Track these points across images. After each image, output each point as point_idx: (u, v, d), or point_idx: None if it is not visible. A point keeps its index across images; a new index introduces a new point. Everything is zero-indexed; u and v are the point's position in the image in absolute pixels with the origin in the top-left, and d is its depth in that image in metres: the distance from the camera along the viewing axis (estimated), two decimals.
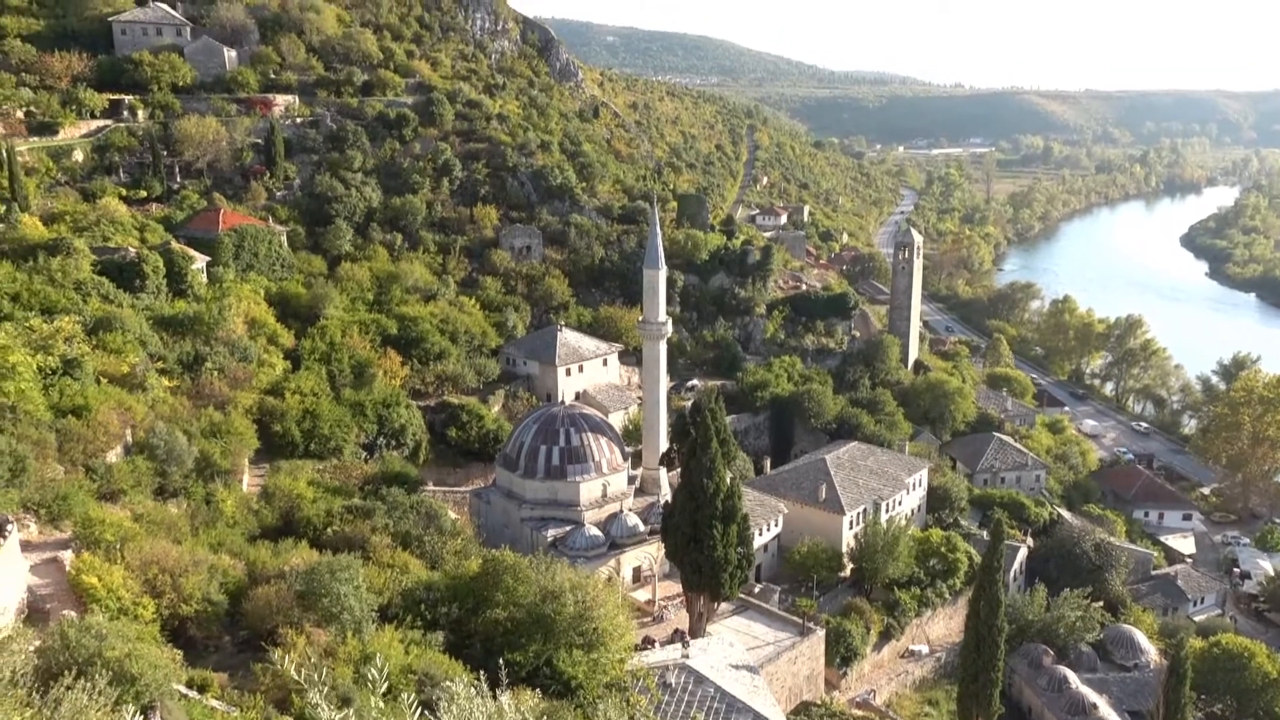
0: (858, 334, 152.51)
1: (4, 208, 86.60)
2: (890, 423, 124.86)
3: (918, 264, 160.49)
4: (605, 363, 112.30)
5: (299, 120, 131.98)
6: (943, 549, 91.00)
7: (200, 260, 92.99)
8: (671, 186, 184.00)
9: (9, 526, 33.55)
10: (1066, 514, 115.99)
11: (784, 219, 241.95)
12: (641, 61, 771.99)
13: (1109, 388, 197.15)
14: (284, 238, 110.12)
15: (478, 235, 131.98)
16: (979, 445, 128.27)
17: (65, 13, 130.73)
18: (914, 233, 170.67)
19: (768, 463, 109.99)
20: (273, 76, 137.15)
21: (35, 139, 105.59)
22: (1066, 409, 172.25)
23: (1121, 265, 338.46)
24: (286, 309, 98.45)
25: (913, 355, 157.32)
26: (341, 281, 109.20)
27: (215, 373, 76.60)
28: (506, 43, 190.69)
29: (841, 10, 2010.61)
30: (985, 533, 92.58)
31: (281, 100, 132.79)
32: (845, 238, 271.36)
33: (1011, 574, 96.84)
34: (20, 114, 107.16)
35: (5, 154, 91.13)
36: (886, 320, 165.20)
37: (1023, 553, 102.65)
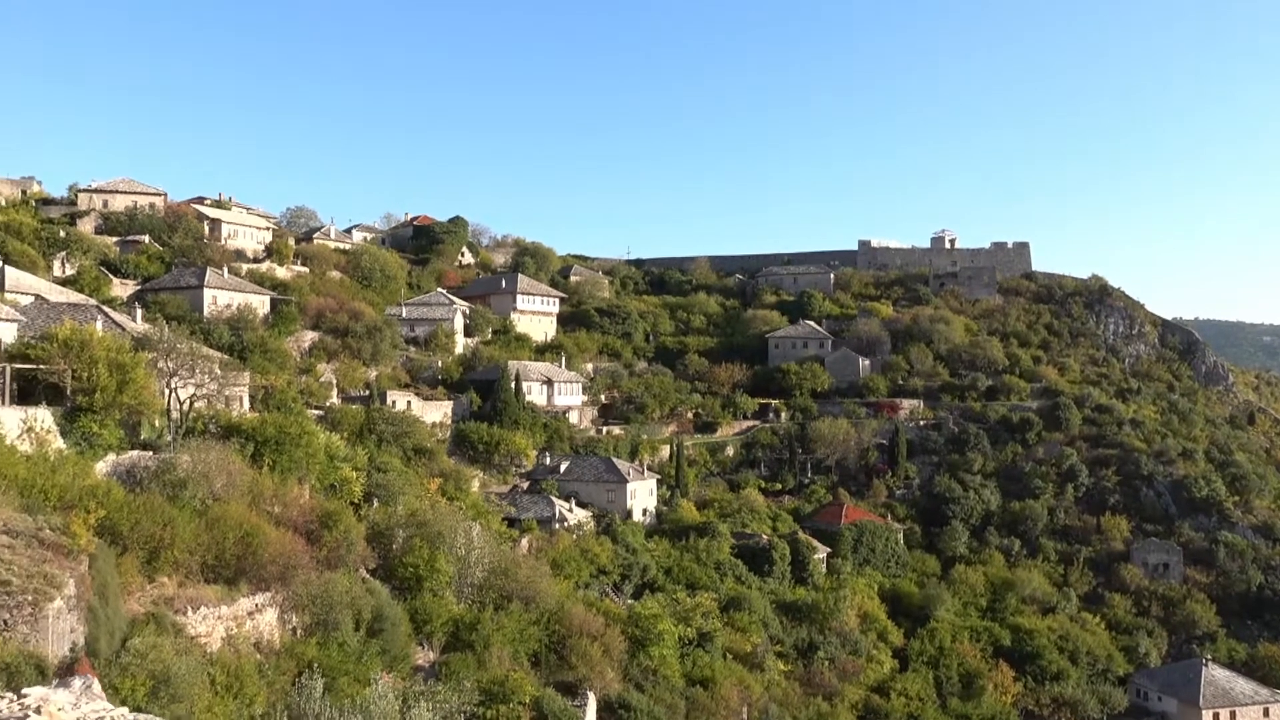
0: None
1: (670, 493, 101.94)
2: None
3: None
4: (1266, 713, 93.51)
5: (922, 423, 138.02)
6: None
7: (822, 551, 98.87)
8: None
9: None
10: None
11: None
12: None
13: None
14: (900, 535, 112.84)
15: (1104, 547, 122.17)
16: None
17: (733, 332, 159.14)
18: None
19: None
20: (900, 382, 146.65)
21: (699, 436, 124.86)
22: None
23: None
24: (897, 606, 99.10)
25: None
26: (954, 584, 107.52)
27: (826, 662, 78.83)
28: (1143, 346, 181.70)
29: None
30: None
31: (907, 404, 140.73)
32: None
33: None
34: (690, 415, 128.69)
35: (676, 448, 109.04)
36: None
37: None
